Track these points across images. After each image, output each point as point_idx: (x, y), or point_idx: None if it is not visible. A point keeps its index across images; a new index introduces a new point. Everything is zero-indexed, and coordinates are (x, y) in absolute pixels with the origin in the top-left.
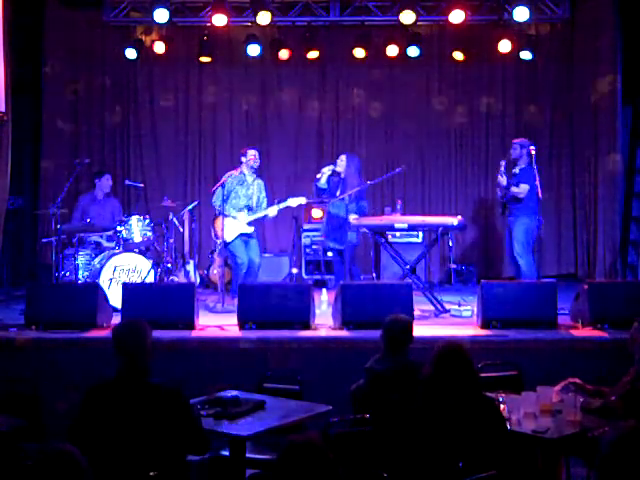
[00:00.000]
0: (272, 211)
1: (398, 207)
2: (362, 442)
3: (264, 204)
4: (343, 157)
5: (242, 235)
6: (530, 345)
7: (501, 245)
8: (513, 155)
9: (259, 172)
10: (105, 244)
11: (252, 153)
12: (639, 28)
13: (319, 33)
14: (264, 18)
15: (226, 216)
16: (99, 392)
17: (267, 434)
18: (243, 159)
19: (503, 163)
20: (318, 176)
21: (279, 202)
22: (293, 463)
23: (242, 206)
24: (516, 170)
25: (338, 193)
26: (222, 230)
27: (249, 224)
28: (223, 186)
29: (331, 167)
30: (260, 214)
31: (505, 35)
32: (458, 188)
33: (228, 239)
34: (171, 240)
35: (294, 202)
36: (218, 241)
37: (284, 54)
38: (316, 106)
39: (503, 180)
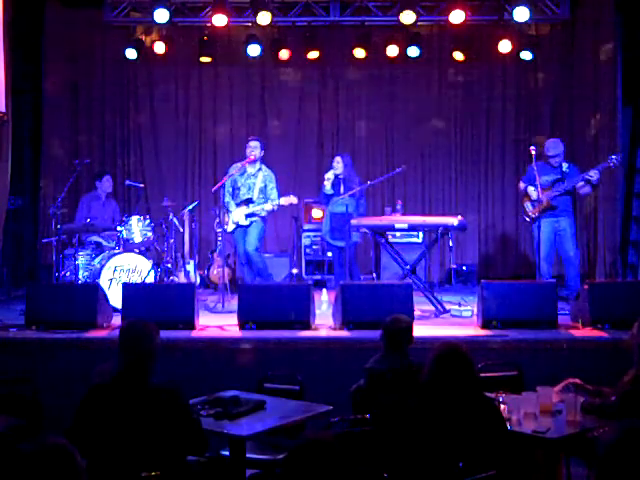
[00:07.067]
0: (267, 206)
1: (398, 207)
2: (362, 442)
3: (273, 194)
4: (338, 159)
5: (239, 226)
6: (530, 345)
7: (501, 245)
8: (553, 154)
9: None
10: (105, 244)
11: (250, 144)
12: (639, 28)
13: (319, 33)
14: (264, 18)
15: (229, 211)
16: (98, 392)
17: (267, 434)
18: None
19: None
20: (325, 183)
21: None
22: (306, 461)
23: (241, 198)
24: (565, 169)
25: (342, 191)
26: (226, 220)
27: (247, 216)
28: (223, 186)
29: (332, 172)
30: (256, 208)
31: (505, 35)
32: (458, 188)
33: (229, 229)
34: (171, 240)
35: (285, 201)
36: (228, 228)
37: (284, 54)
38: (316, 106)
39: (534, 194)
